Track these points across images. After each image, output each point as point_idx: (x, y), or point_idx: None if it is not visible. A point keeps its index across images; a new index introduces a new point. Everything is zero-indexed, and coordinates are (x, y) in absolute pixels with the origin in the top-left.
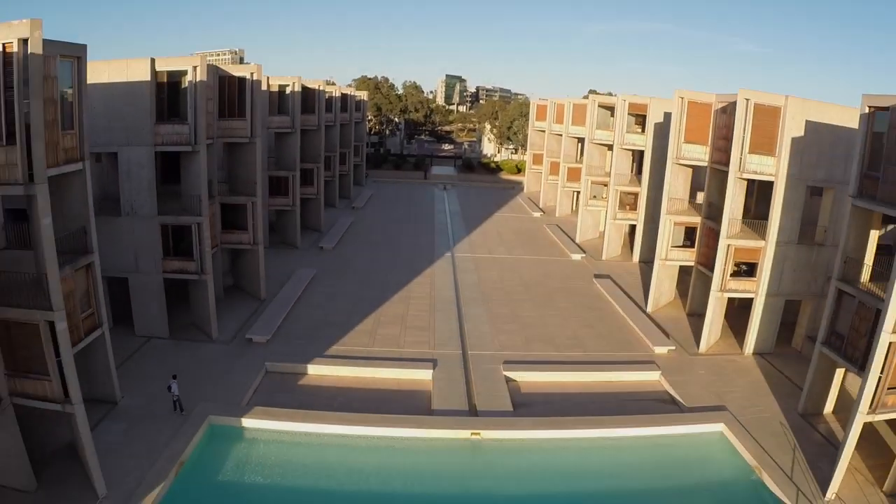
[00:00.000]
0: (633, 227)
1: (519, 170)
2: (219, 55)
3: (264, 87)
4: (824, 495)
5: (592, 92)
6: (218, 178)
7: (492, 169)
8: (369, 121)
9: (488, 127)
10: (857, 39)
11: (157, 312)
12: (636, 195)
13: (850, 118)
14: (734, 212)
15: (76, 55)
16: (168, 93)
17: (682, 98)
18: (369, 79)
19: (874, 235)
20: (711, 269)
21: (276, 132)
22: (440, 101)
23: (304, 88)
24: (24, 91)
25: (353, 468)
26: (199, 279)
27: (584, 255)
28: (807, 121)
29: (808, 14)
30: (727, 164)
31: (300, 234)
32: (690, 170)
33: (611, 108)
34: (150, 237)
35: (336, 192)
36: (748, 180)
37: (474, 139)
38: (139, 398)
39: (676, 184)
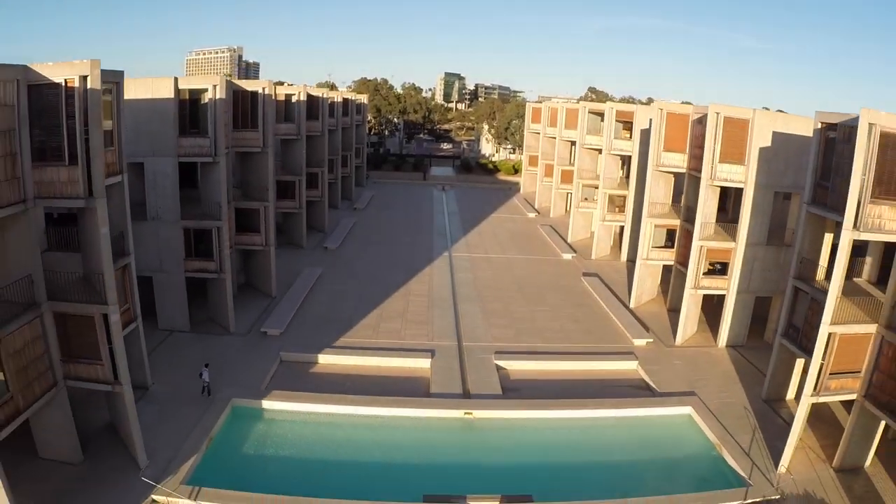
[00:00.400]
0: (622, 228)
1: (516, 170)
2: (217, 53)
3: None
4: (776, 469)
5: (592, 90)
6: (231, 183)
7: (489, 170)
8: (369, 122)
9: (486, 127)
10: (856, 32)
11: (178, 308)
12: (624, 198)
13: (807, 126)
14: (707, 216)
15: (115, 81)
16: (190, 109)
17: (662, 109)
18: (369, 80)
19: (828, 238)
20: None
21: (283, 139)
22: (439, 98)
23: (309, 96)
24: (83, 118)
25: (360, 443)
26: (218, 277)
27: (574, 254)
28: (774, 132)
29: (809, 9)
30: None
31: (306, 234)
32: (672, 176)
33: (601, 114)
34: (174, 239)
35: (338, 193)
36: (725, 187)
37: (473, 138)
38: (167, 385)
39: (657, 189)
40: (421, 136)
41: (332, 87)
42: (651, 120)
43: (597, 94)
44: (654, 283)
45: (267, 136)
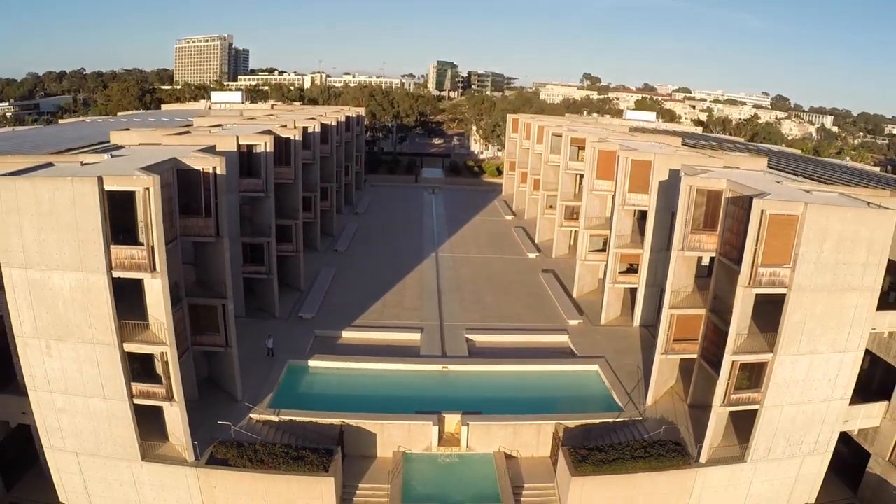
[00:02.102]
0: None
1: (500, 171)
2: (207, 41)
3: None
4: (645, 403)
5: (587, 76)
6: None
7: (475, 172)
8: (365, 125)
9: (474, 128)
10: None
11: (238, 299)
12: (578, 209)
13: (708, 162)
14: (621, 230)
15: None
16: (248, 157)
17: (595, 148)
18: (365, 86)
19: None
20: None
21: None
22: (431, 86)
23: (322, 126)
24: (214, 189)
25: (372, 386)
26: (267, 277)
27: (539, 253)
28: (670, 169)
29: None
30: None
31: (320, 239)
32: (606, 196)
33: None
34: (236, 251)
35: (342, 198)
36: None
37: (463, 131)
38: (241, 351)
39: (592, 207)
40: (414, 129)
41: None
42: (591, 151)
43: (592, 81)
44: (594, 278)
45: (297, 170)
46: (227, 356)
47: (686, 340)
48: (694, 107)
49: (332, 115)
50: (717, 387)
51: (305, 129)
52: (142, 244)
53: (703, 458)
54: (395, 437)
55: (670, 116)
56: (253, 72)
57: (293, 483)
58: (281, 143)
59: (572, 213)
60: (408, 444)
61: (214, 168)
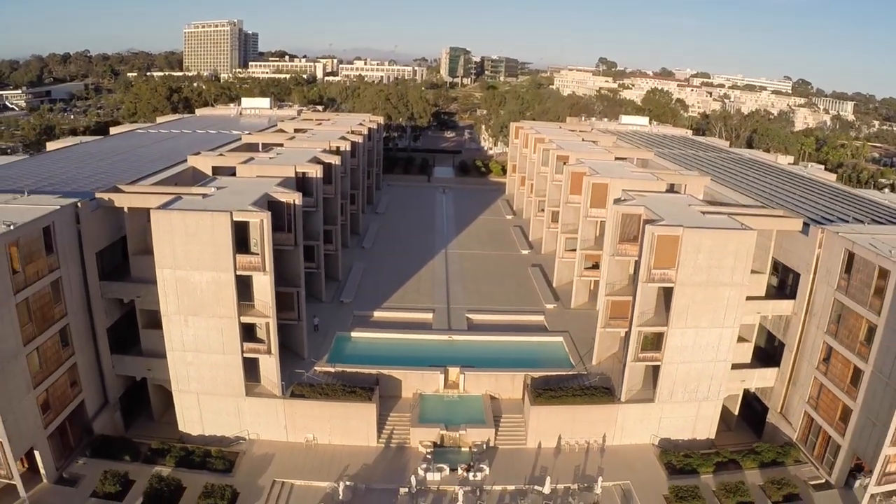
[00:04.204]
0: None
1: (504, 171)
2: (217, 26)
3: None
4: (592, 362)
5: (602, 60)
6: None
7: (482, 172)
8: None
9: (483, 127)
10: None
11: None
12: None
13: (652, 185)
14: (586, 235)
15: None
16: (303, 181)
17: (569, 171)
18: (381, 89)
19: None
20: None
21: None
22: (444, 72)
23: (352, 143)
24: (294, 215)
25: (397, 349)
26: (317, 271)
27: (531, 250)
28: (623, 189)
29: None
30: None
31: (350, 237)
32: (579, 206)
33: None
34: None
35: (365, 200)
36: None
37: (474, 122)
38: None
39: (567, 215)
40: (427, 130)
41: (346, 88)
42: (566, 172)
43: (608, 66)
44: (570, 272)
45: (338, 187)
46: (297, 327)
47: (619, 318)
48: (710, 93)
49: (357, 127)
50: (628, 348)
51: (338, 148)
52: (256, 253)
53: (623, 398)
54: (414, 382)
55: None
56: (262, 55)
57: (350, 409)
58: (326, 168)
59: (556, 218)
60: (422, 387)
61: (294, 200)
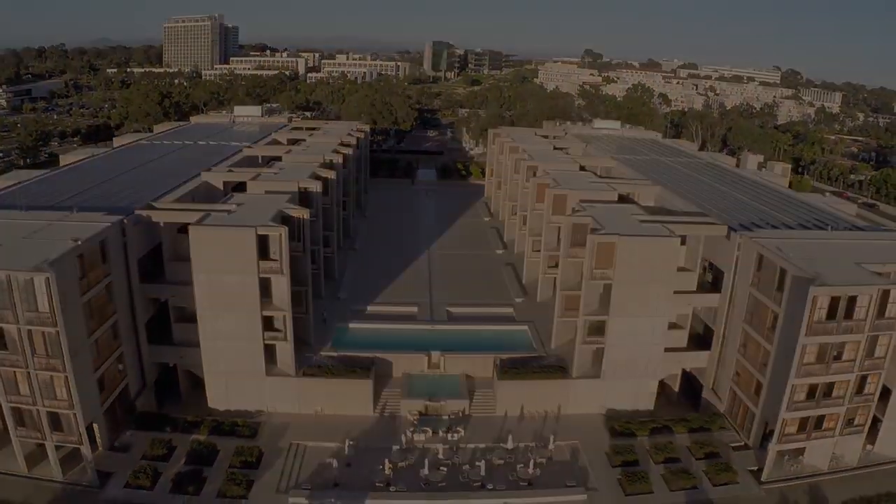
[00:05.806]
0: None
1: (483, 173)
2: (198, 21)
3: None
4: (552, 345)
5: (588, 52)
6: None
7: (463, 175)
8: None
9: (465, 129)
10: None
11: None
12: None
13: (606, 195)
14: (548, 239)
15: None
16: (305, 194)
17: (535, 182)
18: (366, 95)
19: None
20: None
21: None
22: (427, 67)
23: (343, 156)
24: (304, 227)
25: (388, 336)
26: (317, 271)
27: (504, 250)
28: (580, 199)
29: None
30: None
31: (342, 239)
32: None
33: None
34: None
35: (354, 204)
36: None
37: (455, 121)
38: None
39: (534, 220)
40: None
41: (333, 92)
42: (532, 185)
43: (593, 58)
44: (538, 269)
45: (334, 198)
46: (306, 319)
47: (572, 309)
48: (696, 86)
49: (347, 139)
50: (577, 332)
51: (332, 161)
52: (275, 259)
53: (574, 375)
54: (402, 364)
55: (664, 101)
56: (242, 48)
57: (350, 385)
58: (324, 182)
59: (527, 221)
60: (410, 368)
61: (303, 215)
